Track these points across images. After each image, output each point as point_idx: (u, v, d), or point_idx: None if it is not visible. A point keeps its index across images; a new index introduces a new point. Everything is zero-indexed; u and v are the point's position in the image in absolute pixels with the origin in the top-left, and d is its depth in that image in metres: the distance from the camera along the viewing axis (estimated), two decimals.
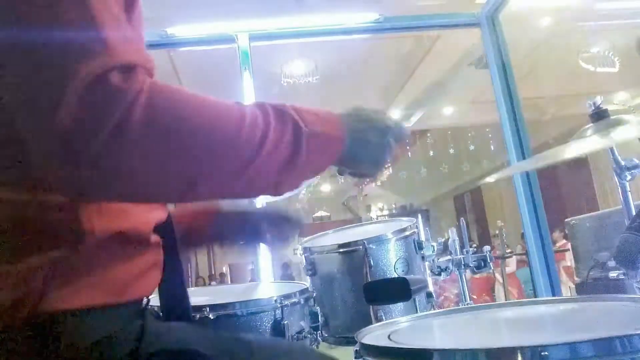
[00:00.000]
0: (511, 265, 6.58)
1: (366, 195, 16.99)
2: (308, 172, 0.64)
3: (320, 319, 1.34)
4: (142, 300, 0.64)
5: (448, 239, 1.44)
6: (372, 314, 1.42)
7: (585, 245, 2.75)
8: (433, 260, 1.51)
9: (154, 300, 0.74)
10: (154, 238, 0.66)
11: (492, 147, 8.87)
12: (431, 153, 10.46)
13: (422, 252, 1.54)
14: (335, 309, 1.53)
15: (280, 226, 1.00)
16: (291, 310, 1.25)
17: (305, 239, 1.75)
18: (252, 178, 0.58)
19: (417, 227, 1.58)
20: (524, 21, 5.58)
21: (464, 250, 1.41)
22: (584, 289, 2.66)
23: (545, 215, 2.48)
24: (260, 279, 2.37)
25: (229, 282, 12.77)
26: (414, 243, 1.55)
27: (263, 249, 2.40)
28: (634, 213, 1.34)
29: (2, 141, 0.52)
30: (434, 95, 8.10)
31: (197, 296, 1.50)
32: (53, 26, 0.46)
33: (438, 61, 6.64)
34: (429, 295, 1.54)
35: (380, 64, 6.68)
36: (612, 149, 1.37)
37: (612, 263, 2.39)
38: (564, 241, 5.92)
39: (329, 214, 17.38)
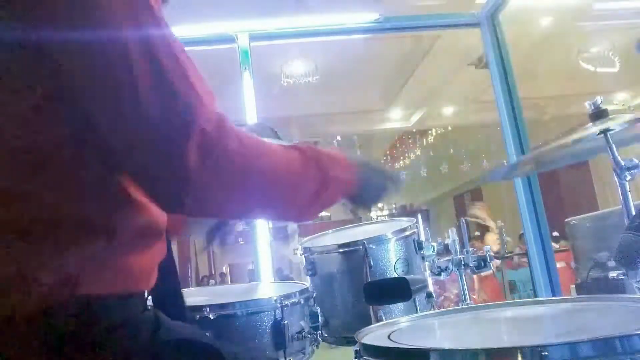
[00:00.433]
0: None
1: None
2: (324, 207, 0.81)
3: (320, 319, 1.34)
4: (144, 291, 0.70)
5: (448, 241, 1.44)
6: (372, 314, 1.42)
7: (585, 245, 2.75)
8: (433, 260, 1.51)
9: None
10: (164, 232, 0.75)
11: (492, 147, 8.86)
12: (431, 153, 10.46)
13: (422, 252, 1.54)
14: (335, 309, 1.53)
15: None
16: (291, 310, 1.25)
17: (305, 239, 1.75)
18: (287, 209, 0.76)
19: (417, 227, 1.58)
20: (524, 21, 5.58)
21: (464, 250, 1.41)
22: (584, 289, 2.66)
23: (545, 215, 2.48)
24: (260, 279, 2.37)
25: (229, 282, 12.78)
26: (414, 243, 1.55)
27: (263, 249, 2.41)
28: (634, 213, 1.34)
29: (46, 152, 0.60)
30: (434, 95, 8.10)
31: (197, 296, 1.50)
32: (169, 97, 0.60)
33: (438, 61, 6.63)
34: (429, 295, 1.54)
35: (380, 64, 6.68)
36: (612, 149, 1.36)
37: (612, 263, 2.39)
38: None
39: (329, 214, 17.38)
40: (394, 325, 1.01)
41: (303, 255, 1.63)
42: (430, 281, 1.58)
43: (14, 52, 0.58)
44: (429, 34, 5.86)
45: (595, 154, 1.59)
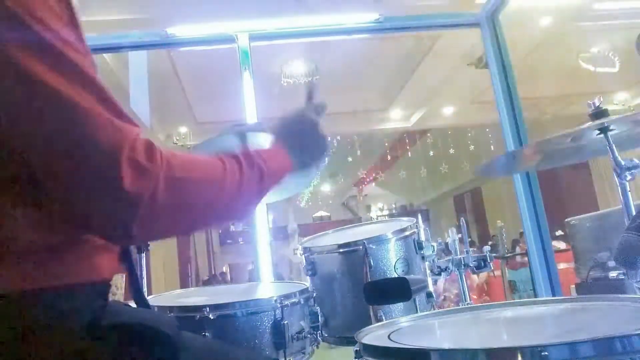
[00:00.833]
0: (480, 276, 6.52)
1: (366, 195, 17.01)
2: (267, 194, 0.84)
3: (320, 319, 1.34)
4: (103, 283, 0.73)
5: (448, 240, 1.44)
6: (372, 314, 1.42)
7: (585, 245, 2.75)
8: (433, 260, 1.51)
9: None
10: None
11: (492, 147, 8.87)
12: (431, 153, 10.46)
13: (422, 252, 1.54)
14: (335, 309, 1.53)
15: None
16: (291, 310, 1.25)
17: (305, 239, 1.75)
18: (233, 210, 0.79)
19: (417, 227, 1.58)
20: (524, 21, 5.58)
21: (464, 250, 1.41)
22: (584, 289, 2.65)
23: (545, 215, 2.48)
24: (261, 279, 2.37)
25: (230, 281, 12.78)
26: (414, 243, 1.55)
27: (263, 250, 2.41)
28: (634, 213, 1.34)
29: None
30: (434, 95, 8.11)
31: (197, 296, 1.50)
32: (86, 137, 0.59)
33: (438, 61, 6.64)
34: (429, 295, 1.54)
35: (380, 64, 6.69)
36: (612, 149, 1.37)
37: (612, 263, 2.40)
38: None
39: (329, 214, 17.39)
40: (394, 325, 1.01)
41: (303, 255, 1.63)
42: (430, 281, 1.58)
43: None
44: (429, 34, 5.86)
45: (596, 155, 1.59)
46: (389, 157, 11.80)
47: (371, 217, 16.15)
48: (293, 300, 1.26)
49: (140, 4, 4.79)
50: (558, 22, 5.95)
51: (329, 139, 1.01)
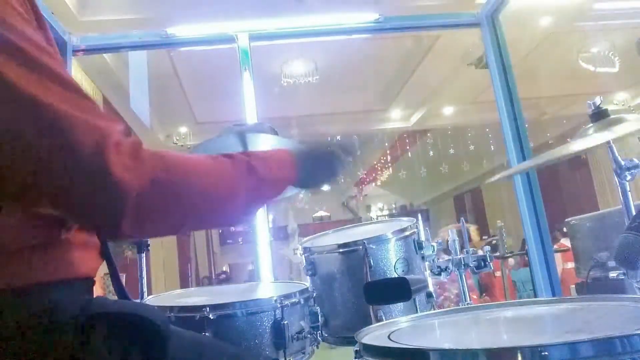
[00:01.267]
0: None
1: (366, 195, 17.00)
2: (264, 204, 0.85)
3: (320, 319, 1.34)
4: (87, 279, 0.75)
5: (449, 239, 1.44)
6: (372, 314, 1.42)
7: (585, 245, 2.75)
8: (433, 260, 1.51)
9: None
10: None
11: (492, 147, 8.87)
12: (431, 153, 10.46)
13: (422, 252, 1.54)
14: (335, 309, 1.53)
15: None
16: (291, 310, 1.25)
17: (305, 239, 1.75)
18: (225, 214, 0.78)
19: (417, 227, 1.58)
20: (524, 21, 5.58)
21: (464, 250, 1.41)
22: (584, 289, 2.65)
23: (545, 215, 2.48)
24: (260, 279, 2.37)
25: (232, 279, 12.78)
26: (414, 243, 1.54)
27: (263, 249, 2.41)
28: (634, 213, 1.34)
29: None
30: (434, 95, 8.10)
31: (197, 296, 1.50)
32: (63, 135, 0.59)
33: (438, 61, 6.64)
34: (429, 295, 1.54)
35: (380, 64, 6.69)
36: (612, 149, 1.36)
37: (612, 263, 2.39)
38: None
39: (329, 214, 17.39)
40: (394, 325, 1.00)
41: (303, 255, 1.63)
42: (430, 281, 1.57)
43: None
44: (429, 34, 5.86)
45: (595, 153, 1.59)
46: (389, 157, 11.80)
47: (371, 217, 16.14)
48: (293, 300, 1.26)
49: (140, 4, 4.79)
50: (558, 22, 5.95)
51: (343, 168, 0.99)
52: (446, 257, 1.45)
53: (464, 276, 1.40)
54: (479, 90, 7.32)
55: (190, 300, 1.40)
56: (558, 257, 5.74)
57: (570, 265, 4.70)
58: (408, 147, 10.92)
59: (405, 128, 9.61)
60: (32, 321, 0.64)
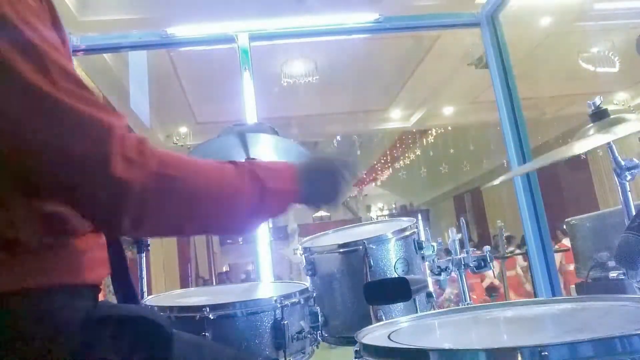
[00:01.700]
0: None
1: (366, 195, 17.00)
2: (268, 217, 0.85)
3: (320, 319, 1.34)
4: (94, 285, 0.74)
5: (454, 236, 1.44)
6: (372, 314, 1.42)
7: (585, 245, 2.75)
8: (433, 260, 1.51)
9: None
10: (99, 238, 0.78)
11: (492, 147, 8.87)
12: (431, 153, 10.46)
13: (422, 252, 1.54)
14: (335, 309, 1.53)
15: None
16: (291, 310, 1.25)
17: (305, 239, 1.75)
18: (228, 220, 0.77)
19: (417, 227, 1.58)
20: (524, 21, 5.58)
21: (464, 250, 1.41)
22: (584, 289, 2.65)
23: (545, 215, 2.48)
24: (260, 279, 2.37)
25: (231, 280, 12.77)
26: (414, 243, 1.54)
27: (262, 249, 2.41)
28: (634, 213, 1.34)
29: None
30: (434, 95, 8.10)
31: (197, 296, 1.50)
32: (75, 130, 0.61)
33: (438, 61, 6.64)
34: (429, 295, 1.54)
35: (380, 64, 6.68)
36: (612, 149, 1.36)
37: (612, 263, 2.39)
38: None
39: (329, 214, 17.39)
40: (394, 325, 1.00)
41: (303, 255, 1.63)
42: (430, 281, 1.57)
43: None
44: (429, 34, 5.86)
45: (596, 153, 1.59)
46: (389, 157, 11.80)
47: (371, 217, 16.14)
48: (293, 300, 1.26)
49: (140, 4, 4.79)
50: (558, 22, 5.95)
51: (344, 177, 0.95)
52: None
53: (464, 276, 1.40)
54: (479, 90, 7.32)
55: (190, 300, 1.40)
56: (559, 257, 5.74)
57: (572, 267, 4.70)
58: (408, 147, 10.92)
59: (405, 128, 9.61)
60: (39, 324, 0.64)
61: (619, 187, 1.39)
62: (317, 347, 1.36)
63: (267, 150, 1.46)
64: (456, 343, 0.89)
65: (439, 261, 1.45)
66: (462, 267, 1.39)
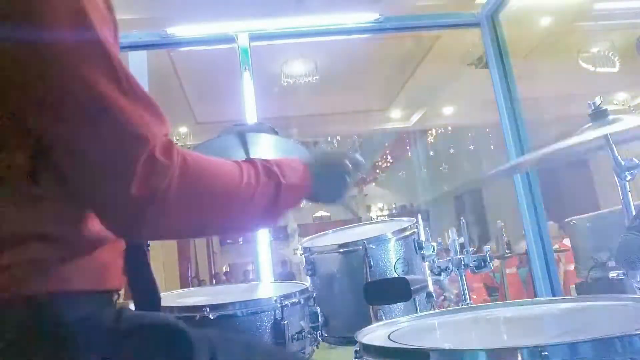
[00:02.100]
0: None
1: (366, 195, 16.99)
2: (282, 213, 0.83)
3: (320, 319, 1.34)
4: (115, 291, 0.74)
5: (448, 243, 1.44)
6: (372, 314, 1.42)
7: (585, 245, 2.75)
8: (433, 260, 1.51)
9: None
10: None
11: (492, 147, 8.86)
12: (431, 153, 10.46)
13: (422, 252, 1.54)
14: (335, 309, 1.53)
15: None
16: (291, 310, 1.25)
17: (305, 239, 1.75)
18: (245, 219, 0.78)
19: (417, 227, 1.58)
20: (524, 21, 5.58)
21: (464, 250, 1.41)
22: (584, 289, 2.65)
23: (545, 215, 2.48)
24: (260, 279, 2.37)
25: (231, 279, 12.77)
26: (414, 243, 1.54)
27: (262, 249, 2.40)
28: (634, 213, 1.34)
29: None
30: (434, 95, 8.10)
31: (197, 296, 1.50)
32: (116, 129, 0.62)
33: (438, 61, 6.63)
34: (429, 295, 1.54)
35: (380, 64, 6.68)
36: (612, 149, 1.36)
37: (612, 263, 2.39)
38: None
39: (329, 214, 17.38)
40: (394, 325, 1.00)
41: (303, 255, 1.63)
42: (430, 281, 1.57)
43: None
44: (429, 34, 5.86)
45: (596, 153, 1.59)
46: (389, 157, 11.80)
47: (371, 217, 16.14)
48: (293, 300, 1.26)
49: (140, 4, 4.79)
50: (558, 22, 5.95)
51: (349, 182, 0.97)
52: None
53: (464, 276, 1.40)
54: (479, 90, 7.32)
55: (190, 300, 1.40)
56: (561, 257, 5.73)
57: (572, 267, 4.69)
58: (408, 147, 10.92)
59: (405, 128, 9.61)
60: (63, 330, 0.63)
61: (619, 187, 1.39)
62: (317, 347, 1.37)
63: (267, 150, 1.46)
64: (456, 343, 0.89)
65: (439, 261, 1.45)
66: (462, 267, 1.39)
